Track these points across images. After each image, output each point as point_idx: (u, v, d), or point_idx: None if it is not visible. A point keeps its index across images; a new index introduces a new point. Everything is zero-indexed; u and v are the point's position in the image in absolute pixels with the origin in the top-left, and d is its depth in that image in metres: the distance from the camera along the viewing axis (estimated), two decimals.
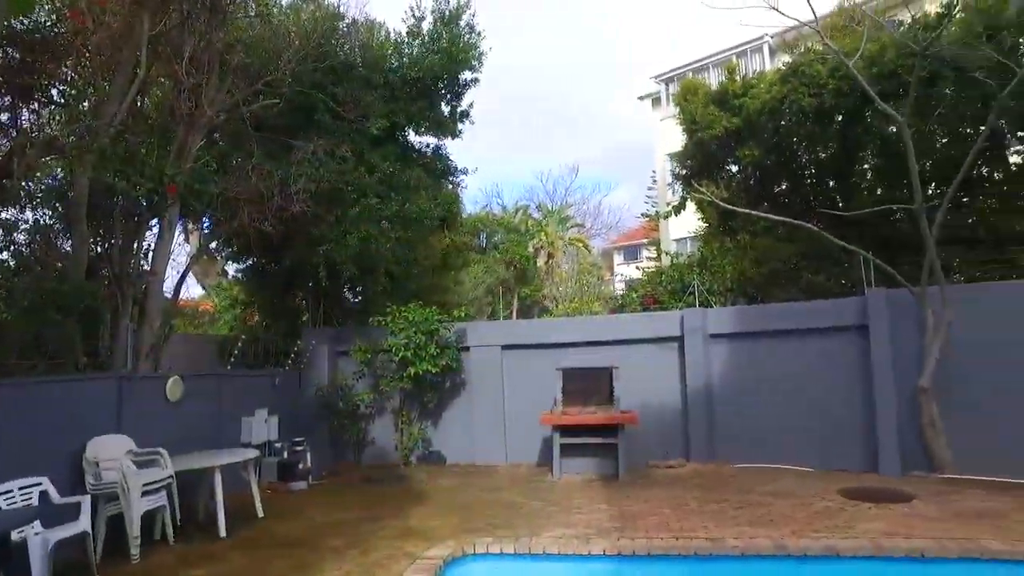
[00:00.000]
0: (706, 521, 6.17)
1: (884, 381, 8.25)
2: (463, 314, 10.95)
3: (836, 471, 8.30)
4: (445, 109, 11.61)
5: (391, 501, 7.64)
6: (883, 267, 8.40)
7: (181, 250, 11.63)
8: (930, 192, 9.37)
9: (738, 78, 11.45)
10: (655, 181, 29.02)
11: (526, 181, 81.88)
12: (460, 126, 11.75)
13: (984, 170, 10.03)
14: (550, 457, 8.88)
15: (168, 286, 8.86)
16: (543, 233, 30.16)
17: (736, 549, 5.28)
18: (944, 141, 9.91)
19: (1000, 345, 7.71)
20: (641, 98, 29.09)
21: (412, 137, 11.74)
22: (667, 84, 25.80)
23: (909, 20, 9.69)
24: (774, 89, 10.25)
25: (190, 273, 10.32)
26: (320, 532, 6.36)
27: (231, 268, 12.97)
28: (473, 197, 30.83)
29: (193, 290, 18.54)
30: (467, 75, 11.32)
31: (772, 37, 20.95)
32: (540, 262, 29.17)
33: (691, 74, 22.47)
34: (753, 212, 9.76)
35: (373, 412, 10.48)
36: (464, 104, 11.70)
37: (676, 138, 13.12)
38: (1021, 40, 8.46)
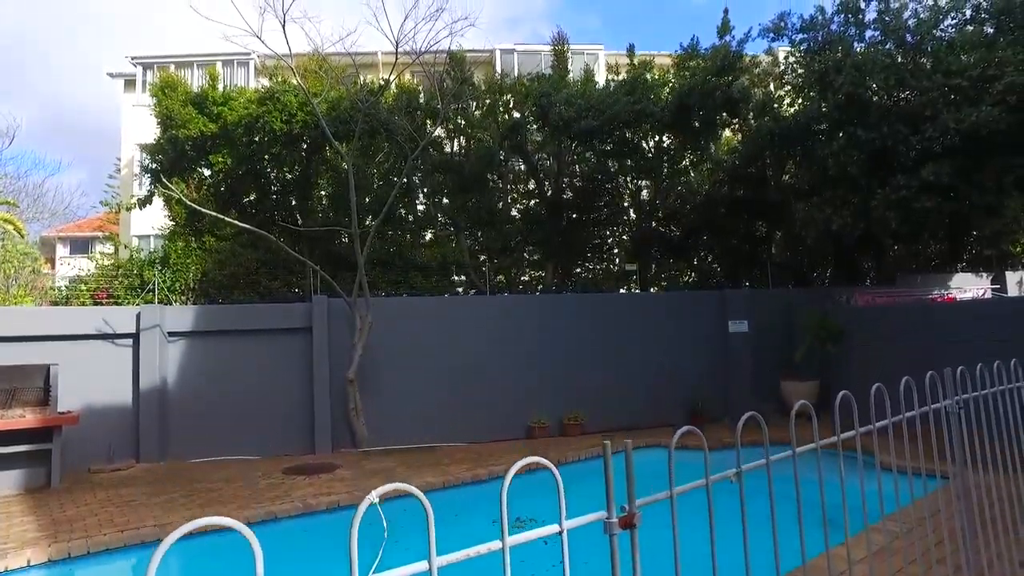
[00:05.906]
0: (155, 512, 6.33)
1: (322, 375, 9.85)
2: None
3: (283, 456, 9.38)
4: None
5: None
6: (327, 278, 10.10)
7: None
8: (368, 222, 11.69)
9: (220, 87, 11.73)
10: (119, 170, 25.70)
11: None
12: None
13: (403, 211, 13.12)
14: None
15: None
16: None
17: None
18: (380, 183, 12.54)
19: (401, 344, 10.29)
20: (113, 76, 25.31)
21: None
22: (145, 69, 23.38)
23: (362, 81, 11.96)
24: (252, 107, 11.01)
25: None
26: None
27: None
28: None
29: None
30: None
31: (258, 58, 21.58)
32: None
33: (173, 67, 21.13)
34: (224, 217, 10.19)
35: None
36: None
37: (149, 128, 12.40)
38: (428, 121, 11.64)
